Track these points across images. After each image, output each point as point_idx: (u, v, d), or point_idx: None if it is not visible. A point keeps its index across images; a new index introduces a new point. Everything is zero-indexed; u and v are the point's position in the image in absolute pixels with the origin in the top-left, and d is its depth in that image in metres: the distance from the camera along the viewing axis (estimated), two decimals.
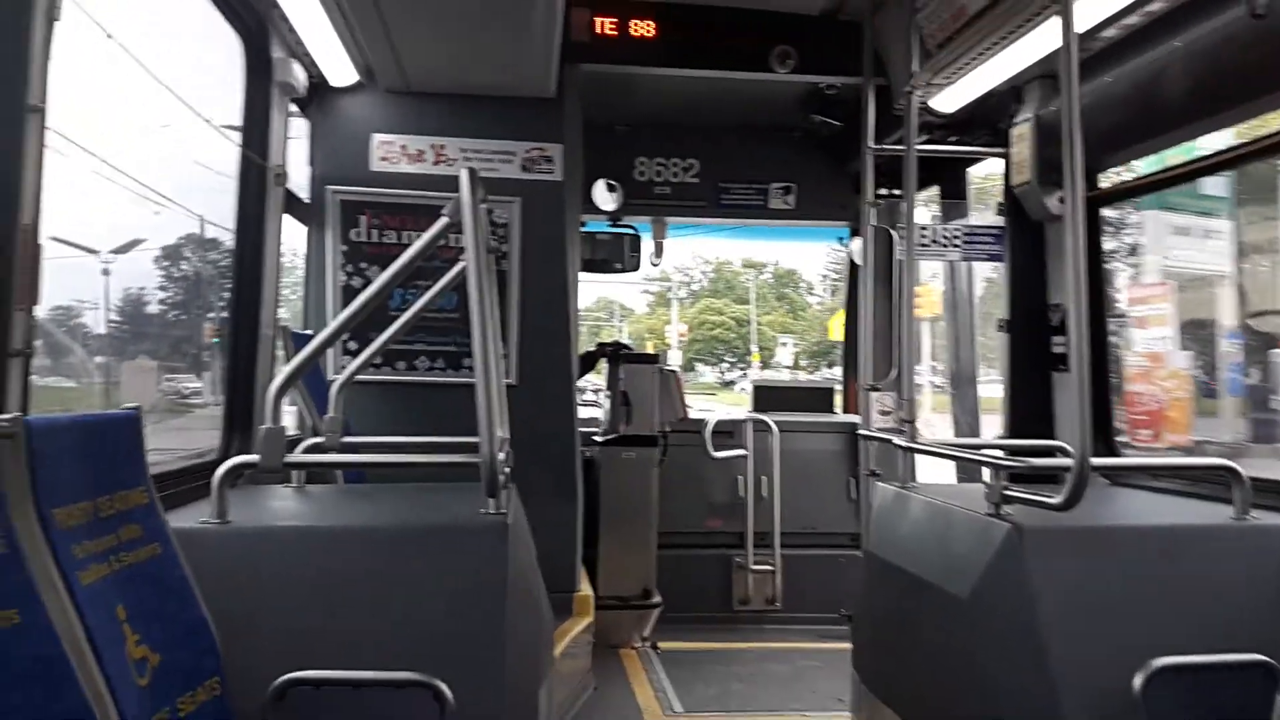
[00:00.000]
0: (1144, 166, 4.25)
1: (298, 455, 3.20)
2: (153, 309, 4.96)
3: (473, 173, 2.72)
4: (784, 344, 45.83)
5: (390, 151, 4.74)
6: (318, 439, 3.45)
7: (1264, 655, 2.43)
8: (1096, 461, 2.62)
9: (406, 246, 2.94)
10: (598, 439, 5.77)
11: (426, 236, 2.78)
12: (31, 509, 1.68)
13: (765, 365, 43.52)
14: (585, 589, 4.98)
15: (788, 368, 44.00)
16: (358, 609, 2.42)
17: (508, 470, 2.76)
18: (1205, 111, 3.49)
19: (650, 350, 8.06)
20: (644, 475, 5.69)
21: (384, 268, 2.93)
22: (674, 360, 39.73)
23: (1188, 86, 3.52)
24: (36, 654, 1.56)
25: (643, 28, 5.03)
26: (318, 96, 4.66)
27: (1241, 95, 3.31)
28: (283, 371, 2.85)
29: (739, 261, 49.47)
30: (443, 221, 2.77)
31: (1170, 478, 3.64)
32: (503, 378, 3.59)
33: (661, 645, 5.57)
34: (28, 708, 1.51)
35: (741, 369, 45.97)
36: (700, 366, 48.00)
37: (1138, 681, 2.37)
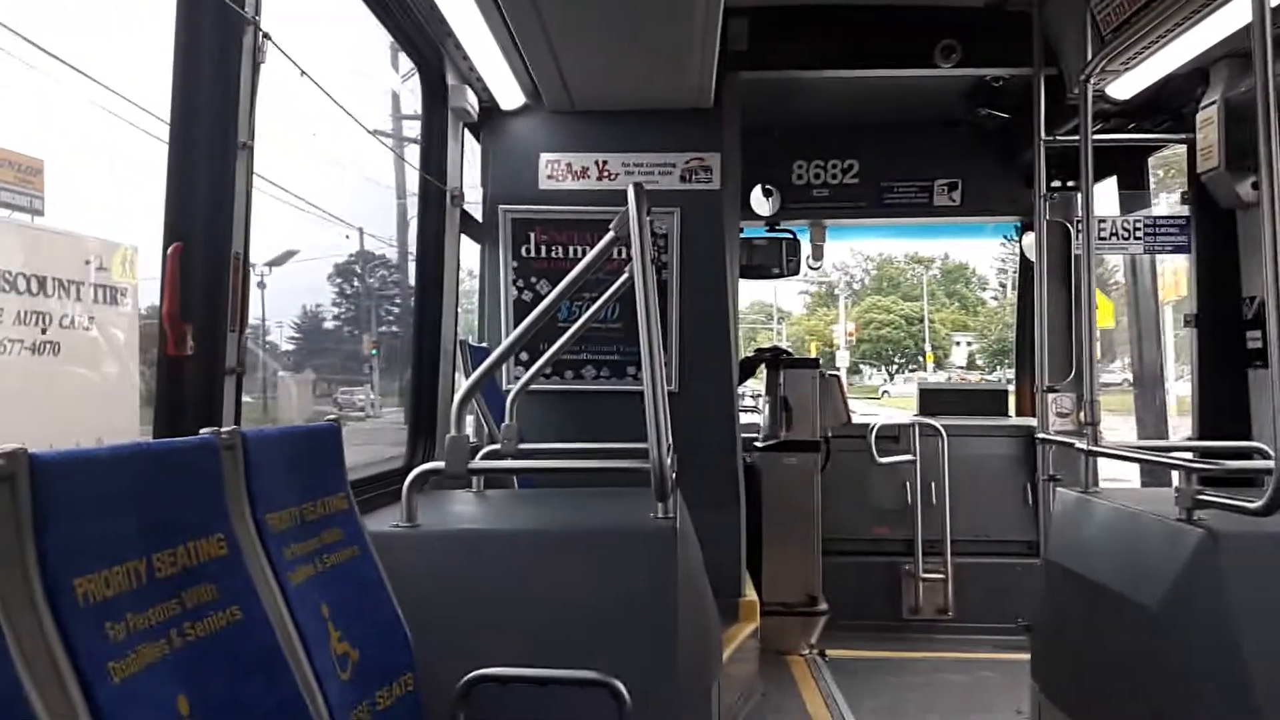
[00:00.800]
0: None
1: (478, 462, 3.36)
2: (323, 325, 5.30)
3: (639, 187, 2.80)
4: (959, 343, 43.89)
5: (557, 170, 4.91)
6: (495, 446, 3.61)
7: None
8: None
9: (573, 261, 3.06)
10: (759, 445, 5.78)
11: (596, 251, 2.88)
12: (248, 515, 1.85)
13: (940, 366, 41.69)
14: (750, 594, 4.99)
15: (960, 368, 42.07)
16: (537, 608, 2.53)
17: (674, 475, 2.82)
18: None
19: (813, 353, 7.98)
20: (806, 481, 5.66)
21: (553, 282, 3.06)
22: (842, 361, 38.90)
23: None
24: (256, 647, 1.70)
25: (800, 32, 5.01)
26: (488, 120, 4.87)
27: None
28: (465, 384, 3.01)
29: (903, 258, 47.76)
30: (610, 236, 2.85)
31: None
32: (664, 384, 3.66)
33: (829, 653, 5.51)
34: (250, 697, 1.65)
35: (910, 371, 44.14)
36: (865, 368, 46.20)
37: None
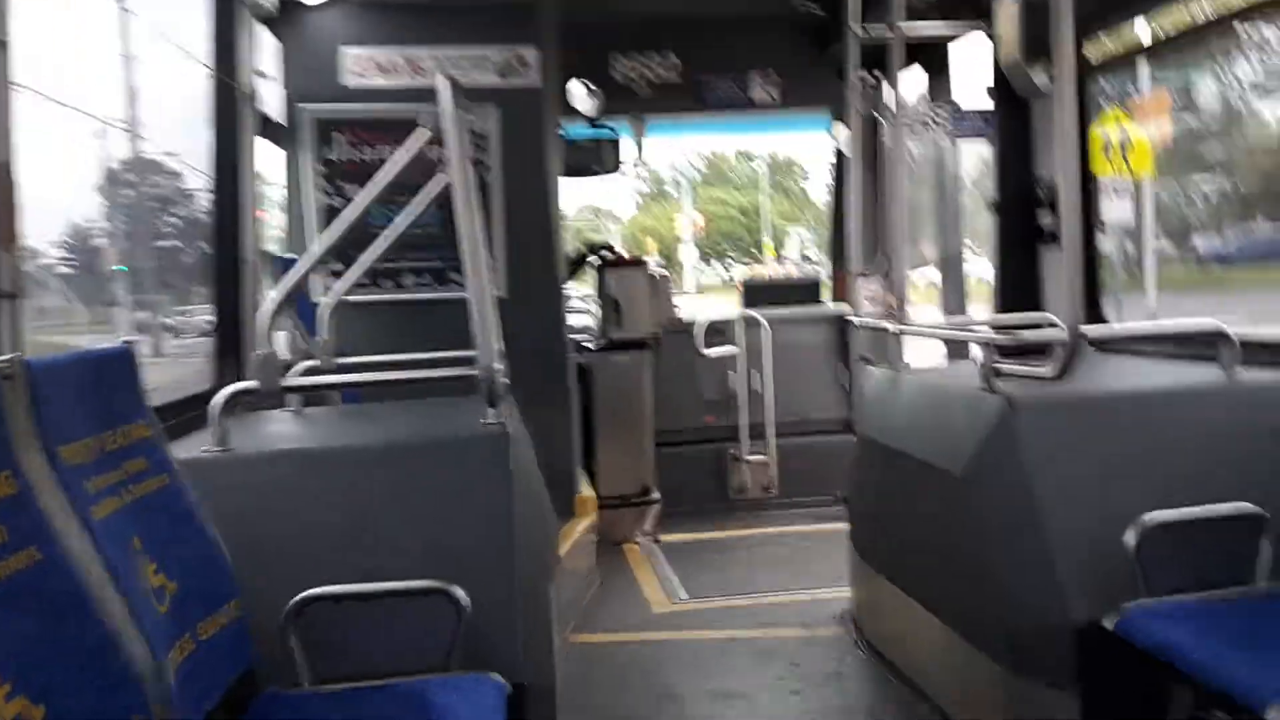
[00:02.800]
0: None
1: (294, 379, 3.22)
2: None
3: (450, 81, 2.67)
4: (794, 235, 44.38)
5: (362, 65, 4.62)
6: (312, 362, 3.46)
7: (1253, 505, 2.51)
8: (1087, 330, 2.66)
9: (386, 163, 2.90)
10: (590, 346, 5.81)
11: (405, 149, 2.75)
12: (37, 447, 1.70)
13: (778, 259, 42.01)
14: (586, 491, 5.09)
15: (792, 261, 42.45)
16: (368, 525, 2.48)
17: (505, 381, 2.80)
18: None
19: (652, 250, 8.03)
20: (637, 378, 5.76)
21: (364, 186, 2.90)
22: (689, 256, 38.95)
23: None
24: (60, 589, 1.59)
25: None
26: (286, 13, 4.52)
27: None
28: (272, 296, 2.84)
29: (732, 154, 47.37)
30: (422, 133, 2.72)
31: (1159, 343, 3.69)
32: (492, 290, 3.59)
33: (663, 538, 5.72)
34: (58, 642, 1.55)
35: (745, 264, 43.11)
36: (702, 263, 45.53)
37: (1130, 538, 2.45)
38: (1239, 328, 3.03)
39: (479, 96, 4.58)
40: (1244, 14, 3.51)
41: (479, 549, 2.48)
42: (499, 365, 2.63)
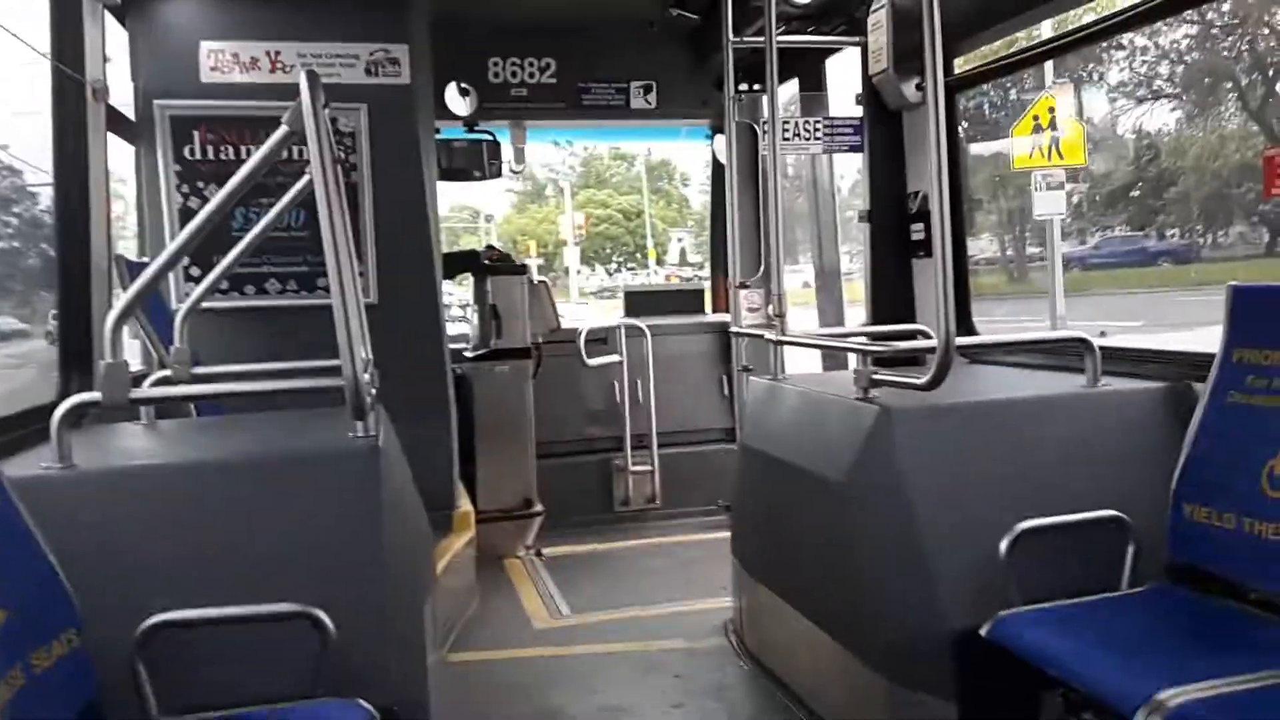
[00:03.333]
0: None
1: (145, 390, 3.01)
2: None
3: (312, 76, 2.53)
4: (678, 239, 44.17)
5: (221, 60, 4.38)
6: (165, 372, 3.25)
7: (1116, 510, 2.60)
8: (958, 340, 2.71)
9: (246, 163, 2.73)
10: (469, 355, 5.67)
11: (265, 148, 2.59)
12: None
13: (659, 263, 41.82)
14: (465, 505, 4.95)
15: (674, 265, 41.41)
16: (225, 546, 2.32)
17: (374, 391, 2.67)
18: None
19: (532, 253, 7.93)
20: (518, 388, 5.65)
21: (224, 187, 2.72)
22: (571, 259, 38.51)
23: None
24: None
25: None
26: (136, 3, 4.25)
27: None
28: (120, 301, 2.65)
29: (607, 153, 46.58)
30: (282, 131, 2.57)
31: (1027, 352, 3.81)
32: (361, 296, 3.45)
33: (545, 552, 5.62)
34: None
35: (630, 269, 42.77)
36: (583, 266, 44.78)
37: (1003, 545, 2.51)
38: (1097, 324, 3.14)
39: (347, 95, 4.43)
40: (1099, 34, 3.67)
41: (346, 569, 2.36)
42: (366, 375, 2.51)
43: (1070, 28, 3.87)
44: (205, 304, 3.55)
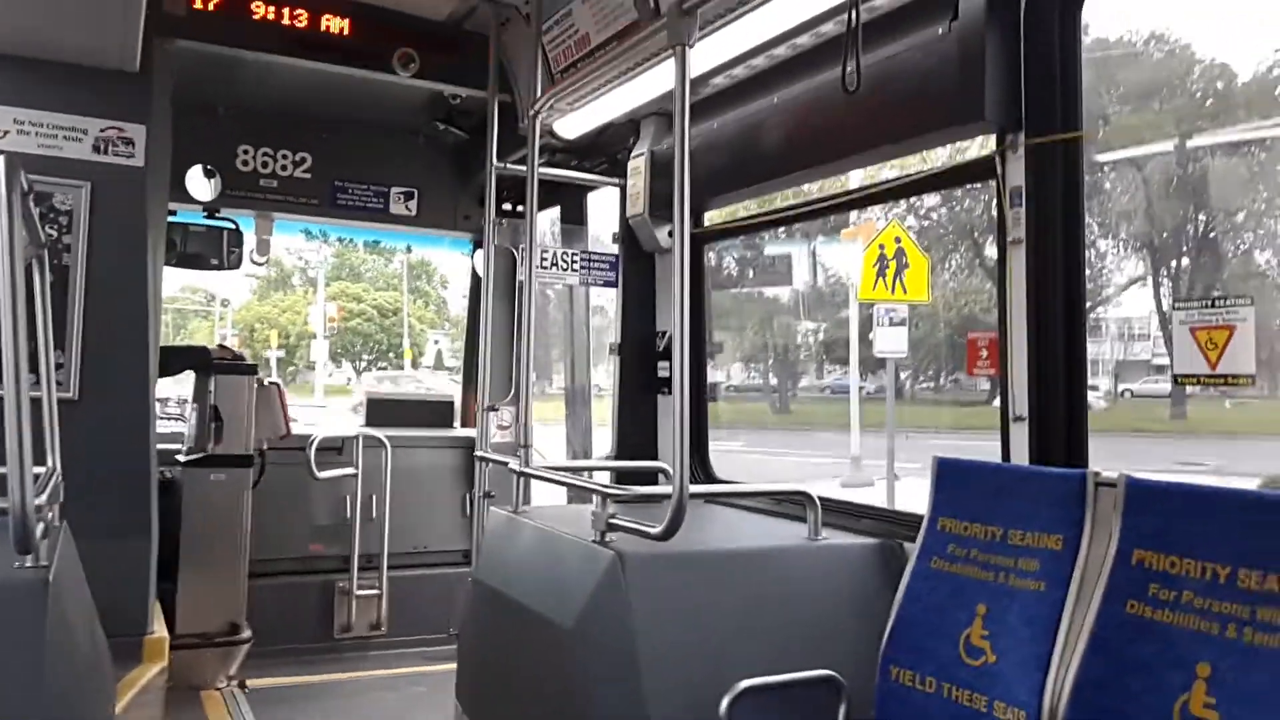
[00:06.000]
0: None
1: None
2: None
3: (9, 158, 2.24)
4: (435, 341, 42.94)
5: None
6: None
7: (831, 670, 2.65)
8: (693, 489, 2.73)
9: None
10: (181, 459, 5.16)
11: None
12: None
13: (415, 365, 40.50)
14: (159, 629, 4.39)
15: (429, 368, 40.50)
16: None
17: (55, 510, 2.32)
18: (796, 164, 3.80)
19: (273, 344, 7.41)
20: (234, 499, 5.18)
21: None
22: (320, 353, 36.22)
23: (782, 139, 3.81)
24: None
25: (253, 8, 4.57)
26: None
27: (827, 154, 3.64)
28: None
29: (362, 245, 44.70)
30: None
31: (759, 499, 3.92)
32: (54, 392, 3.04)
33: (250, 683, 5.09)
34: None
35: (381, 369, 40.95)
36: (330, 363, 42.51)
37: (724, 703, 2.49)
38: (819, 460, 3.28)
39: (69, 170, 4.04)
40: (832, 208, 3.98)
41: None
42: (39, 498, 2.17)
43: (812, 197, 4.17)
44: None
